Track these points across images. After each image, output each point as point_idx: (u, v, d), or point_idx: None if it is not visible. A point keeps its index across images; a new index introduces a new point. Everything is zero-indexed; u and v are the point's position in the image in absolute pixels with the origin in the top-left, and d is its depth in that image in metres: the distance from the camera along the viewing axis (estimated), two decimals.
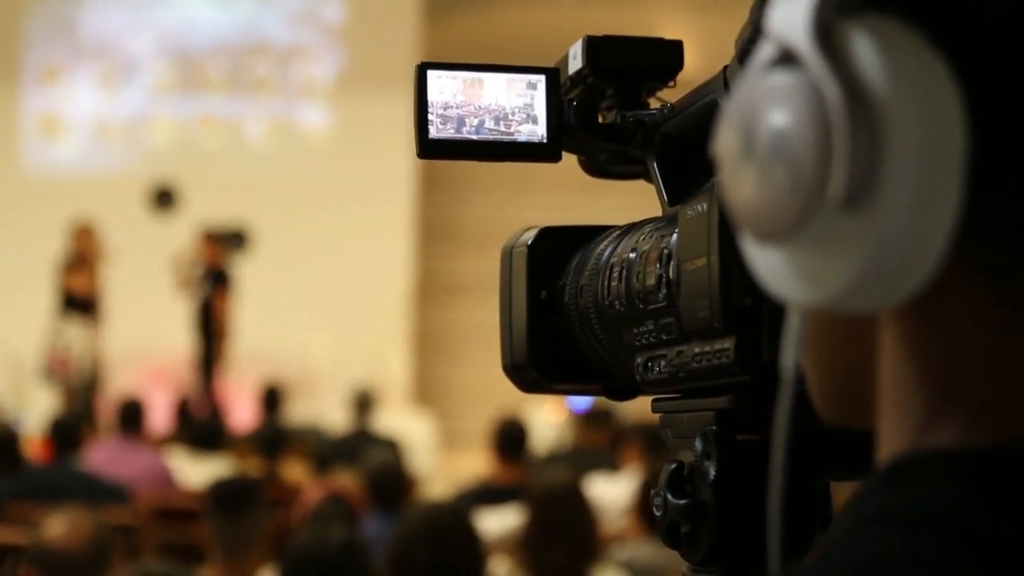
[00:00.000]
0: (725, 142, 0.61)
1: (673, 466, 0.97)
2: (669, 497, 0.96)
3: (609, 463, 6.73)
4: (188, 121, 13.17)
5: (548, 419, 10.87)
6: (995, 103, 0.57)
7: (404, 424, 10.63)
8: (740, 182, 0.60)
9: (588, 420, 7.97)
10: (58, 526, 3.64)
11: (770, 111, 0.58)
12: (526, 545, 4.17)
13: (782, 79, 0.58)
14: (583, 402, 9.02)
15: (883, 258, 0.56)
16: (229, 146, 13.11)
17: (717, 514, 0.94)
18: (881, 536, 0.58)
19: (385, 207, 12.87)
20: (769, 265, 0.60)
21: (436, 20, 13.42)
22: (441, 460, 11.32)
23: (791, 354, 0.61)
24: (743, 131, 0.60)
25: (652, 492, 0.98)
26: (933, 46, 0.57)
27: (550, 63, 1.12)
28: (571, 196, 12.58)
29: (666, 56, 1.10)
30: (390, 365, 12.57)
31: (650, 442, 6.77)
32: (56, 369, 10.99)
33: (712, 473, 0.94)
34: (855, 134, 0.55)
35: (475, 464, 8.55)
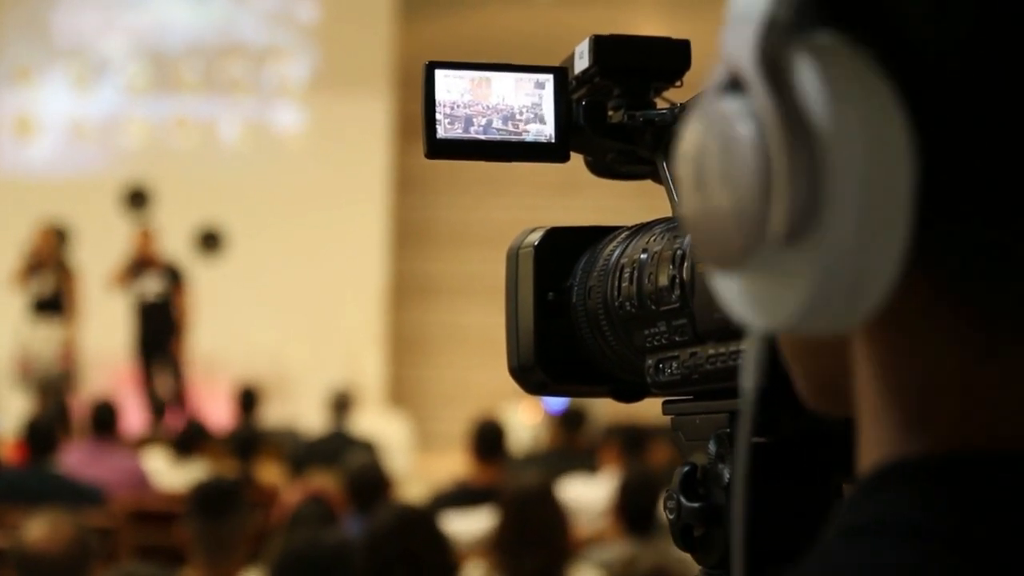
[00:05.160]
0: (680, 169, 0.60)
1: (686, 468, 0.96)
2: (682, 500, 0.95)
3: (587, 464, 6.73)
4: (162, 122, 13.11)
5: (524, 420, 10.87)
6: (944, 125, 0.55)
7: (379, 425, 10.60)
8: (693, 211, 0.59)
9: (563, 422, 7.96)
10: (38, 529, 3.62)
11: (718, 140, 0.57)
12: (499, 548, 4.18)
13: (731, 106, 0.57)
14: (559, 403, 9.01)
15: (829, 288, 0.55)
16: (203, 147, 13.06)
17: (731, 517, 0.93)
18: (863, 545, 0.58)
19: (359, 208, 12.84)
20: (727, 291, 0.60)
21: (410, 21, 13.40)
22: (416, 461, 11.29)
23: (750, 376, 0.61)
24: (695, 160, 0.59)
25: (664, 495, 0.97)
26: (879, 67, 0.55)
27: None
28: (544, 197, 12.58)
29: (674, 56, 1.09)
30: (365, 367, 12.54)
31: (628, 443, 6.79)
32: (22, 370, 10.94)
33: (727, 476, 0.93)
34: (795, 167, 0.54)
35: (451, 465, 8.54)
